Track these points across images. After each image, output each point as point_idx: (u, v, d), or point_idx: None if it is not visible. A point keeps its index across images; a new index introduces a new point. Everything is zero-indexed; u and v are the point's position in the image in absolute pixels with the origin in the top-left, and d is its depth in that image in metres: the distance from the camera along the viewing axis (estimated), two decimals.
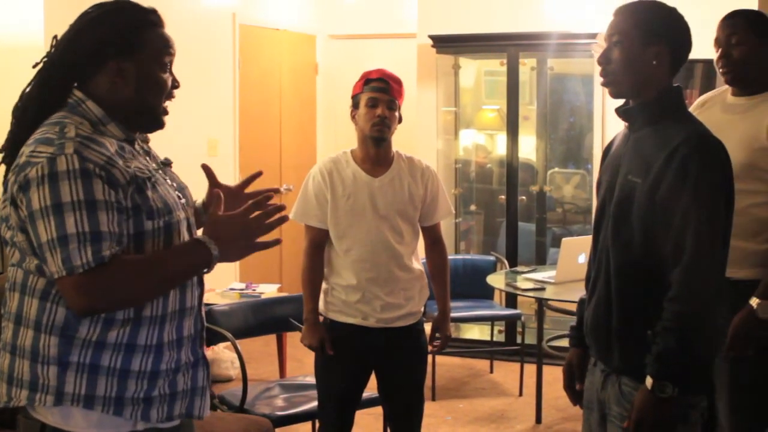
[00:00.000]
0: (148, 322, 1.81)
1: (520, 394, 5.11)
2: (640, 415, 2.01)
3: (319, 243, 3.12)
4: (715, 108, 2.87)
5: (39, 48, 4.42)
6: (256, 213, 1.84)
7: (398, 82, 3.06)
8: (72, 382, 1.76)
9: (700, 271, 1.98)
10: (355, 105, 3.09)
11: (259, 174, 2.16)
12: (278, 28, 6.72)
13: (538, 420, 4.68)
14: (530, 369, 4.93)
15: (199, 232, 1.93)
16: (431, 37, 5.92)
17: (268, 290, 5.38)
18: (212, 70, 5.80)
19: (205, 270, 1.84)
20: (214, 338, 3.73)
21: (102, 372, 1.77)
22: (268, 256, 6.48)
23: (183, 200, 1.94)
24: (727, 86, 2.90)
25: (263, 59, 6.59)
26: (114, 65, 1.83)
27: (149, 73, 1.85)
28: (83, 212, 1.67)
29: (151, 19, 1.88)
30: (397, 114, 3.06)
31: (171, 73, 1.91)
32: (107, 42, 1.82)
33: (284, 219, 1.87)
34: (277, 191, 1.91)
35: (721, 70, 2.83)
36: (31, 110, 1.84)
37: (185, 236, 1.89)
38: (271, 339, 5.02)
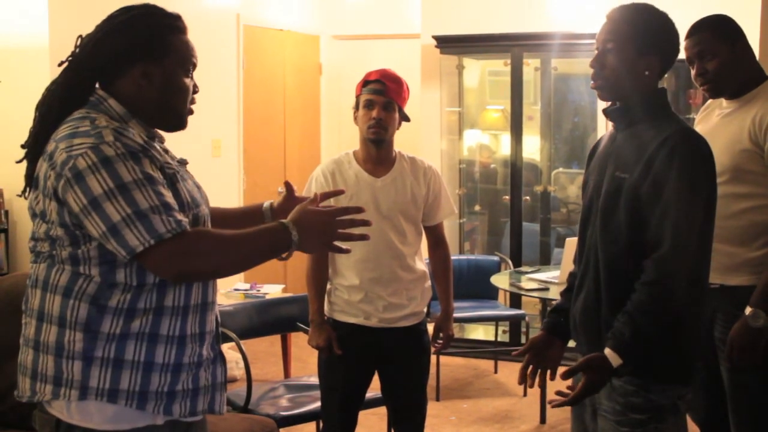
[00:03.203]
0: (170, 312, 1.84)
1: (525, 394, 5.11)
2: (590, 378, 2.04)
3: None
4: (713, 112, 2.87)
5: (43, 50, 4.45)
6: (342, 218, 1.92)
7: (397, 83, 3.06)
8: (96, 376, 1.79)
9: (675, 261, 2.02)
10: (356, 106, 3.10)
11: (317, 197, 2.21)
12: (282, 29, 6.72)
13: (543, 420, 4.69)
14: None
15: None
16: (435, 37, 5.93)
17: (273, 291, 5.38)
18: (216, 70, 5.80)
19: (284, 256, 1.88)
20: None
21: (126, 366, 1.80)
22: None
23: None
24: None
25: (267, 60, 6.60)
26: (140, 68, 1.87)
27: (174, 77, 1.90)
28: (147, 187, 1.72)
29: (178, 25, 1.92)
30: (396, 115, 3.06)
31: (192, 78, 1.95)
32: (136, 45, 1.86)
33: (365, 236, 1.99)
34: (367, 223, 1.97)
35: (701, 88, 2.79)
36: (54, 108, 1.87)
37: None
38: (275, 339, 5.02)
